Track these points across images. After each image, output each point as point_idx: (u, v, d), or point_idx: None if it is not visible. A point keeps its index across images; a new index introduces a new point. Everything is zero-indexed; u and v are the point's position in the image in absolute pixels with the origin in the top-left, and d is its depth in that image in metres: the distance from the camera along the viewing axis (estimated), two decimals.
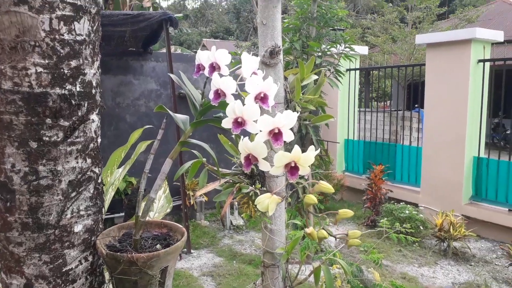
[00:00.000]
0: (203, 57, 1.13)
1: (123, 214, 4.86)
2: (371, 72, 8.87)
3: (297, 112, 1.14)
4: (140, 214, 1.09)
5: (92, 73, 1.11)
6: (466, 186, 5.08)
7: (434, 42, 5.20)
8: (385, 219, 4.79)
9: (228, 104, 1.00)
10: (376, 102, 11.34)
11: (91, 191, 1.13)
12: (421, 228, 4.74)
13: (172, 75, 1.18)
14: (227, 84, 1.04)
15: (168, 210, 1.61)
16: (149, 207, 1.09)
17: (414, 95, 9.09)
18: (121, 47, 5.01)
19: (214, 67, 1.11)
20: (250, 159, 1.01)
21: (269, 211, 0.99)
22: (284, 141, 1.04)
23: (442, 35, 5.20)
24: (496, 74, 5.31)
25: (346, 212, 1.24)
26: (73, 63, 1.06)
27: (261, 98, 1.04)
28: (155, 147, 1.14)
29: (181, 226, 1.21)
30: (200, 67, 1.15)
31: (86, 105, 1.09)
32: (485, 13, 13.51)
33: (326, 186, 1.08)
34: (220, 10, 28.84)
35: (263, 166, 1.01)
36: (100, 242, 1.11)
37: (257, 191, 1.79)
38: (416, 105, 8.18)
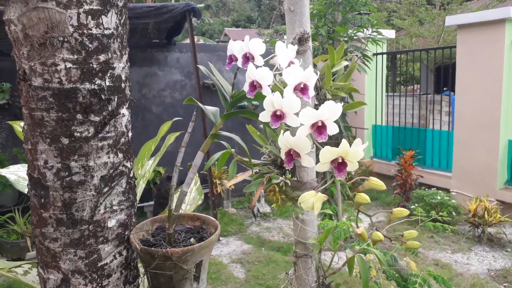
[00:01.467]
0: (235, 48, 1.07)
1: (152, 202, 4.95)
2: (398, 56, 8.62)
3: (337, 101, 1.11)
4: (173, 208, 1.08)
5: (121, 67, 1.09)
6: (501, 170, 4.91)
7: (465, 23, 4.99)
8: (417, 205, 4.71)
9: (264, 96, 0.96)
10: (403, 87, 11.06)
11: (124, 186, 1.12)
12: (454, 214, 4.62)
13: (201, 67, 1.15)
14: (264, 75, 0.98)
15: (200, 202, 1.60)
16: (182, 200, 1.07)
17: (443, 78, 8.80)
18: (145, 39, 5.04)
19: (248, 58, 1.05)
20: (292, 155, 0.94)
21: (315, 210, 0.94)
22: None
23: (474, 16, 4.98)
24: None
25: (401, 211, 1.13)
26: (102, 57, 1.05)
27: (301, 89, 0.97)
28: (185, 140, 1.13)
29: (214, 219, 1.19)
30: (232, 58, 1.09)
31: (116, 99, 1.08)
32: None
33: (377, 183, 0.99)
34: None
35: (306, 161, 0.95)
36: (134, 237, 1.10)
37: (288, 181, 1.76)
38: (445, 88, 7.93)
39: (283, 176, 1.73)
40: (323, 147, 0.96)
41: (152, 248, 1.05)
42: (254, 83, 0.99)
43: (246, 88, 1.01)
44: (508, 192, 4.81)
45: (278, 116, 0.94)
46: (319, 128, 0.93)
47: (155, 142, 1.64)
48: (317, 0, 4.20)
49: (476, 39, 4.91)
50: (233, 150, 1.61)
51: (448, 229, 1.98)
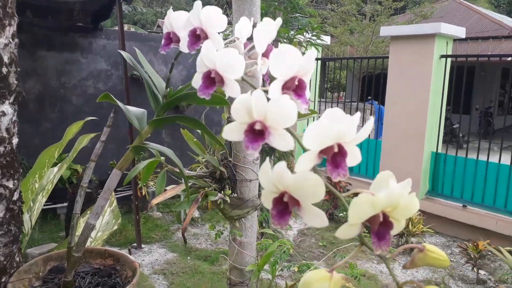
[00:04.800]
0: (178, 21, 0.67)
1: (66, 204, 4.44)
2: (328, 63, 8.75)
3: None
4: (73, 246, 0.78)
5: (1, 43, 0.77)
6: (424, 181, 5.09)
7: (399, 35, 5.10)
8: (345, 213, 4.72)
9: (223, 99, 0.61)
10: (330, 93, 11.33)
11: (1, 215, 0.80)
12: None
13: (123, 53, 0.83)
14: (231, 61, 0.57)
15: (115, 227, 1.28)
16: (87, 237, 0.78)
17: (368, 87, 9.11)
18: (68, 21, 4.49)
19: (198, 36, 0.65)
20: (287, 203, 0.49)
21: None
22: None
23: (407, 28, 5.11)
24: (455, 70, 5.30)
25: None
26: None
27: (296, 88, 0.56)
28: (97, 152, 0.84)
29: (132, 258, 0.90)
30: (172, 37, 0.69)
31: None
32: (438, 10, 13.82)
33: (439, 256, 0.52)
34: None
35: (311, 218, 0.50)
36: (14, 286, 0.79)
37: (227, 198, 1.51)
38: (369, 97, 8.18)
39: (222, 191, 1.48)
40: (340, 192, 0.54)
41: None
42: (213, 75, 0.58)
43: (196, 82, 0.59)
44: (429, 202, 4.99)
45: (257, 133, 0.52)
46: (334, 156, 0.51)
47: (59, 147, 1.29)
48: None
49: (407, 51, 5.03)
50: (162, 158, 1.33)
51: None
